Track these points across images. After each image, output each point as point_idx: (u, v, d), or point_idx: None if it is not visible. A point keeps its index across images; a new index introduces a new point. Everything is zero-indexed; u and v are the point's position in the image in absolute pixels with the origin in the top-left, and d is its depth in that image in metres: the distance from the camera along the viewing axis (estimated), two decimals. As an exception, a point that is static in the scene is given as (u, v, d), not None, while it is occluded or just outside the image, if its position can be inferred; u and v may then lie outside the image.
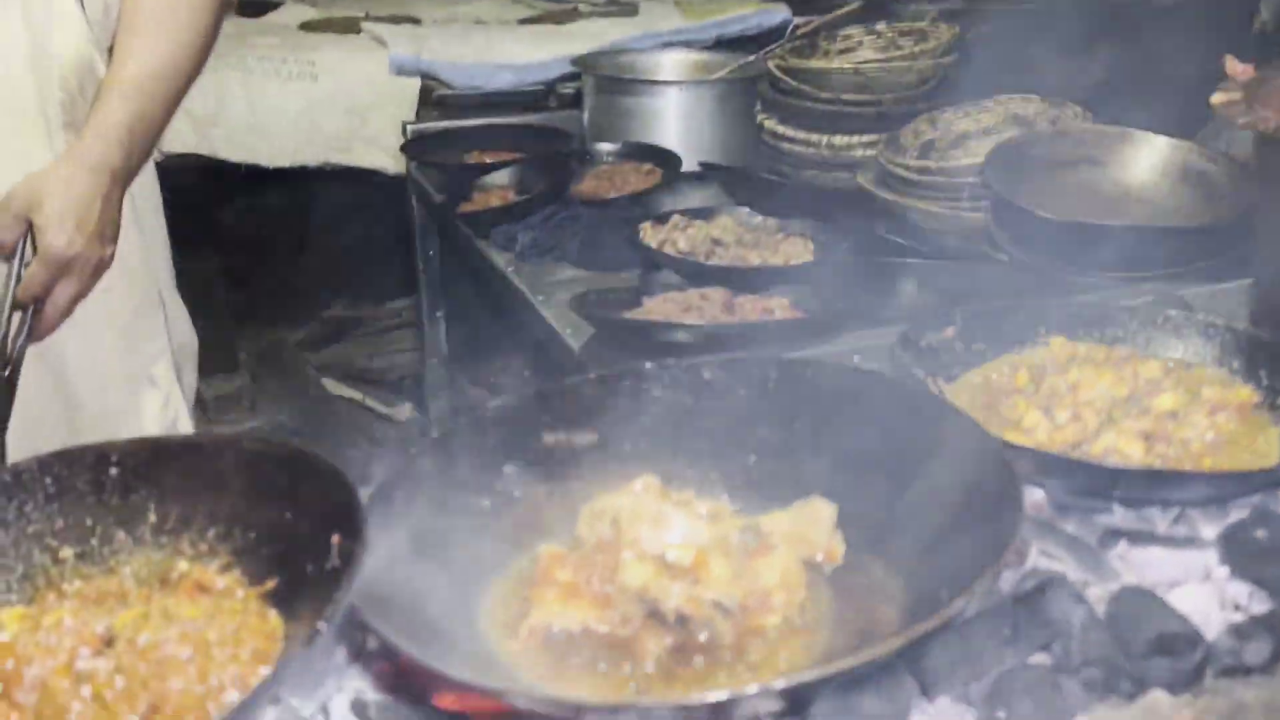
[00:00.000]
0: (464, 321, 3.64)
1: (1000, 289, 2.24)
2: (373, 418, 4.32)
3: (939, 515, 1.02)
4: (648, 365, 1.25)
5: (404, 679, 1.00)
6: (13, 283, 1.49)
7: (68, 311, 1.55)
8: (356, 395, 4.42)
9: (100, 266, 1.54)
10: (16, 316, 1.48)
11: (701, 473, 1.21)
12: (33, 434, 1.51)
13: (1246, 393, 1.29)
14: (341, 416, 4.37)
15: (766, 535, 1.06)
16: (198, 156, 3.63)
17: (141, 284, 1.75)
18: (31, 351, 1.52)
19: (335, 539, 0.97)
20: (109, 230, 1.53)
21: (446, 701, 0.98)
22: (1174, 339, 1.40)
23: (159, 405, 1.76)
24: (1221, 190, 2.41)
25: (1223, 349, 1.36)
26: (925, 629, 0.81)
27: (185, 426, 1.83)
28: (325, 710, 0.98)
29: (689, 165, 3.10)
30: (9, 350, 1.48)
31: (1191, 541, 1.08)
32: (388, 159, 3.70)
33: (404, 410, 4.33)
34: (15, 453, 1.48)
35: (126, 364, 1.73)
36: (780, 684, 0.78)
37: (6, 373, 1.47)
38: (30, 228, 1.47)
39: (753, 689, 0.78)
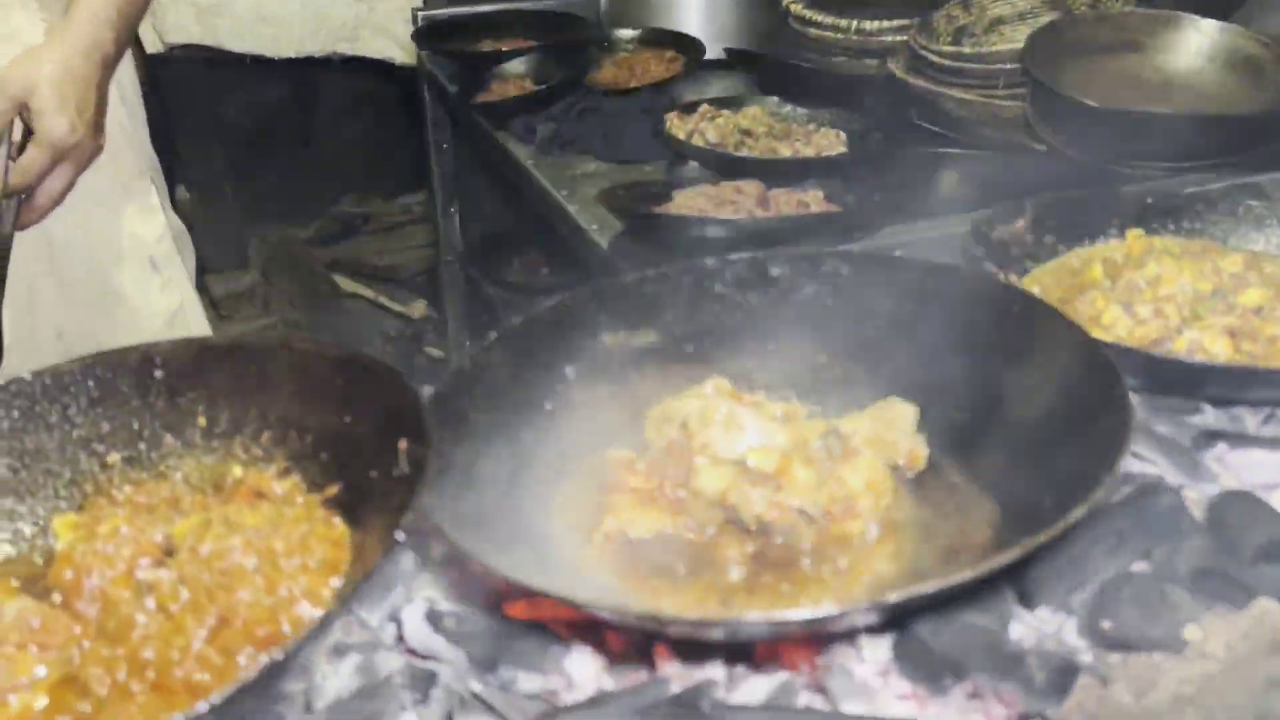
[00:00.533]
0: (479, 217, 3.55)
1: (1042, 181, 2.16)
2: (386, 315, 4.27)
3: (1032, 418, 0.97)
4: (710, 261, 1.19)
5: (477, 587, 0.97)
6: (3, 168, 1.45)
7: (60, 199, 1.52)
8: (369, 292, 4.36)
9: (95, 153, 1.51)
10: (5, 203, 1.45)
11: (769, 374, 1.16)
12: (28, 314, 1.47)
13: (1335, 287, 1.24)
14: (354, 314, 4.33)
15: (847, 438, 1.01)
16: (201, 48, 3.50)
17: (130, 165, 1.69)
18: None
19: (402, 444, 0.92)
20: (101, 118, 1.50)
21: (519, 610, 0.94)
22: (1254, 231, 1.34)
23: (159, 288, 1.71)
24: (1271, 76, 2.31)
25: (1309, 241, 1.30)
26: (1042, 540, 0.76)
27: (194, 311, 1.79)
28: (396, 620, 0.95)
29: (712, 52, 2.99)
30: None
31: (1290, 443, 1.03)
32: (397, 48, 3.58)
33: (418, 308, 4.28)
34: (14, 335, 1.46)
35: (119, 245, 1.68)
36: (893, 598, 0.74)
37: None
38: (22, 111, 1.43)
39: (863, 604, 0.74)
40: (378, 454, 0.95)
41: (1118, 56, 2.50)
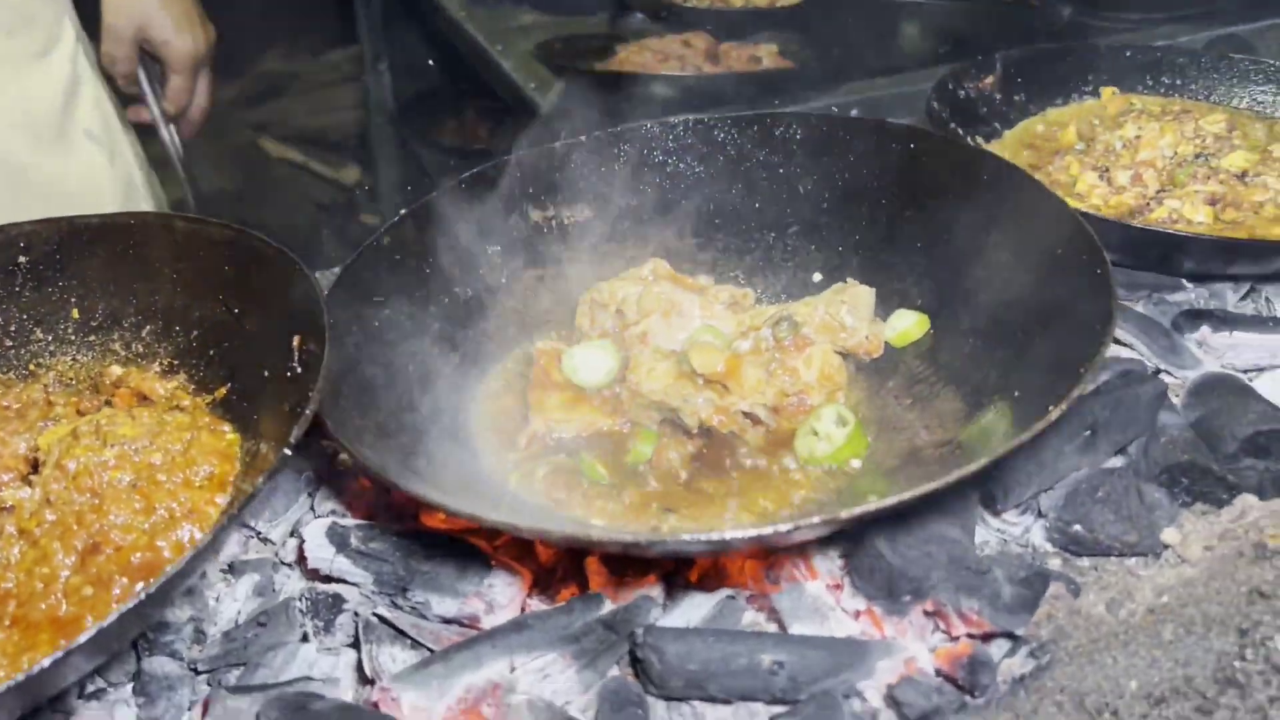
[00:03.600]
0: (411, 74, 3.35)
1: (1008, 32, 2.04)
2: (317, 181, 4.06)
3: (1003, 301, 0.87)
4: (649, 124, 1.06)
5: (385, 496, 0.87)
6: (155, 104, 1.52)
7: (210, 104, 1.60)
8: (298, 157, 4.13)
9: (213, 42, 1.55)
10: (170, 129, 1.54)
11: (714, 254, 1.05)
12: None
13: (1325, 148, 1.14)
14: (283, 180, 4.11)
15: (799, 326, 0.91)
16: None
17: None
18: None
19: (296, 340, 0.80)
20: (198, 10, 1.53)
21: (436, 521, 0.85)
22: (1239, 86, 1.23)
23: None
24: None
25: (1299, 98, 1.20)
26: (1018, 441, 0.67)
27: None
28: (297, 534, 0.85)
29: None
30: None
31: (1276, 322, 0.95)
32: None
33: (351, 173, 4.07)
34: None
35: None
36: (846, 514, 0.65)
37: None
38: (144, 45, 1.48)
39: (814, 519, 0.65)
40: (272, 350, 0.84)
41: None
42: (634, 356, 0.90)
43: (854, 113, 1.77)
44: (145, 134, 1.61)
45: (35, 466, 0.81)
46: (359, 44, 3.43)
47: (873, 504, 0.65)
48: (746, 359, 0.86)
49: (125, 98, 1.59)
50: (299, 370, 0.80)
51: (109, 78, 1.52)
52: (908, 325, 0.93)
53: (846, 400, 0.89)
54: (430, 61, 3.25)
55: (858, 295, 0.94)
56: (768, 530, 0.65)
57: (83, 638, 0.62)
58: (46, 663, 0.61)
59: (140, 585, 0.73)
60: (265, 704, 0.67)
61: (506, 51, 2.30)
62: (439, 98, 3.40)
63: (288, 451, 0.70)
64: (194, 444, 0.80)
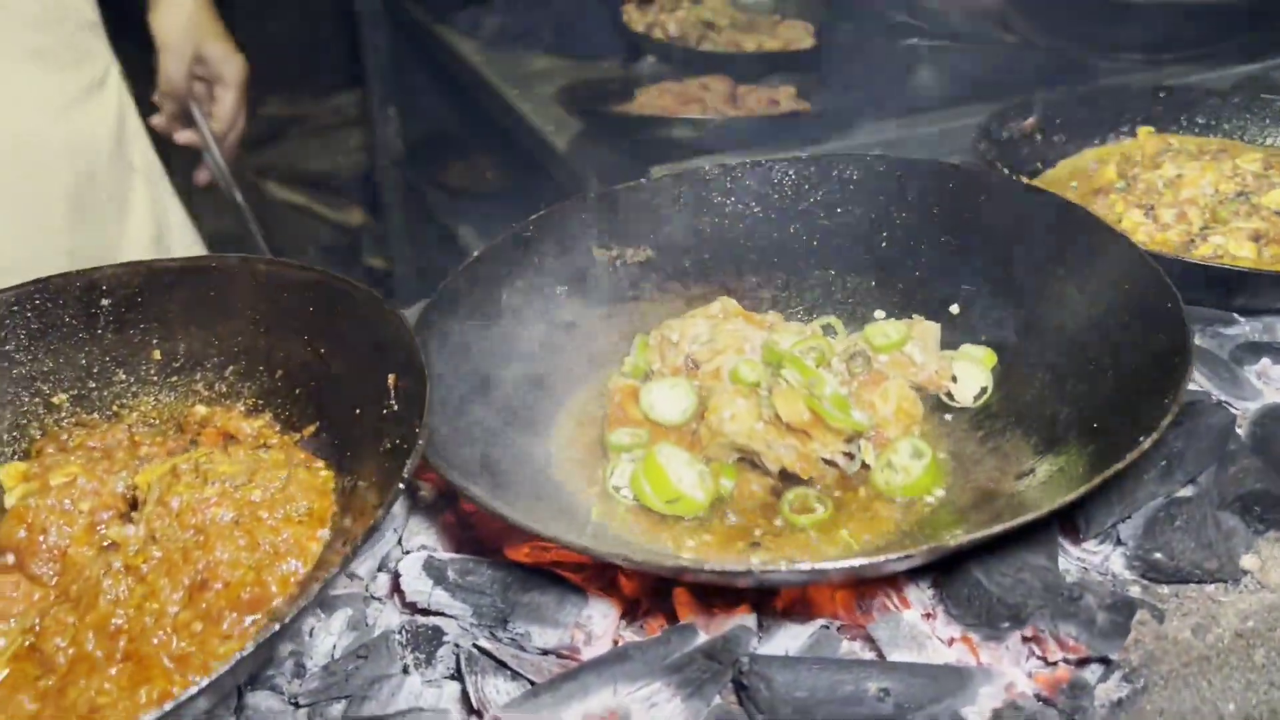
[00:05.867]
0: (418, 117, 3.38)
1: (1018, 73, 2.09)
2: (321, 224, 4.08)
3: (1071, 337, 0.90)
4: (707, 167, 1.09)
5: (469, 531, 0.89)
6: (204, 125, 1.54)
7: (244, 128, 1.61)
8: (301, 199, 4.16)
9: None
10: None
11: (773, 292, 1.08)
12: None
13: (1360, 185, 1.18)
14: (286, 223, 4.13)
15: (871, 360, 0.93)
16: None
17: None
18: None
19: (391, 379, 0.82)
20: None
21: (523, 554, 0.86)
22: (1273, 125, 1.27)
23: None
24: (1250, -37, 2.24)
25: (1330, 137, 1.24)
26: (1109, 473, 0.70)
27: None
28: (386, 569, 0.87)
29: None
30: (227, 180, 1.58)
31: (1332, 355, 0.98)
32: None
33: (355, 215, 4.10)
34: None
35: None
36: (951, 544, 0.67)
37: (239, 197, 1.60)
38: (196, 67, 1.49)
39: (922, 548, 0.67)
40: (361, 389, 0.85)
41: (1093, -57, 2.40)
42: (712, 395, 0.92)
43: (876, 152, 1.81)
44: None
45: (134, 505, 0.82)
46: (364, 87, 3.46)
47: (978, 532, 0.67)
48: (822, 418, 0.87)
49: (156, 136, 1.61)
50: (394, 408, 0.82)
51: (146, 111, 1.55)
52: (976, 359, 0.95)
53: (922, 435, 0.91)
54: (440, 105, 3.29)
55: (925, 330, 0.97)
56: (864, 561, 0.67)
57: (222, 669, 0.63)
58: (182, 698, 0.62)
59: (252, 618, 0.74)
60: (384, 736, 0.68)
61: (524, 95, 2.33)
62: (446, 141, 3.44)
63: (401, 485, 0.72)
64: (291, 481, 0.81)
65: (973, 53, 2.33)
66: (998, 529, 0.67)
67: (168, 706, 0.62)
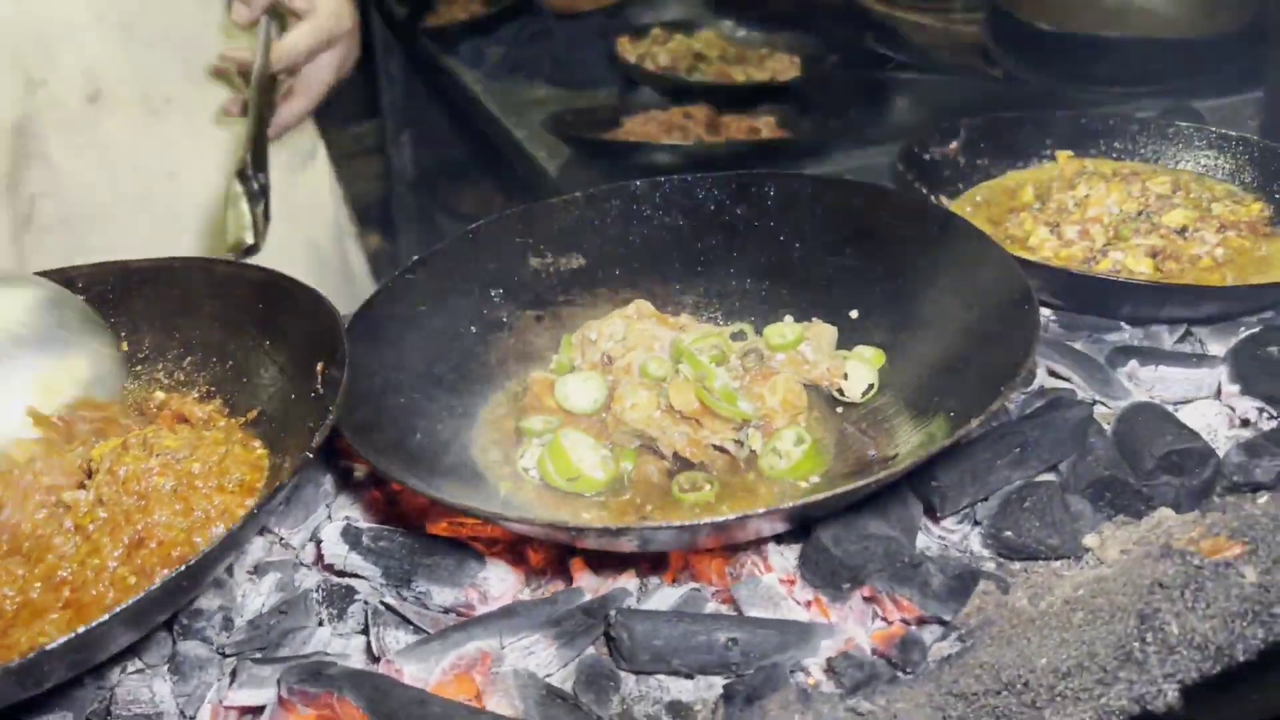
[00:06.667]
0: (431, 145, 3.50)
1: (997, 104, 2.17)
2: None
3: (948, 333, 0.98)
4: (637, 183, 1.18)
5: (395, 507, 0.98)
6: (262, 49, 1.34)
7: (327, 91, 1.42)
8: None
9: (355, 56, 1.41)
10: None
11: (694, 298, 1.16)
12: None
13: (1259, 208, 1.25)
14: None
15: (767, 358, 1.02)
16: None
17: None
18: None
19: (319, 366, 0.92)
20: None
21: (441, 529, 0.95)
22: (1184, 151, 1.35)
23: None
24: (1224, 1, 2.32)
25: (1235, 162, 1.31)
26: (934, 450, 0.78)
27: None
28: (316, 540, 0.96)
29: (666, -29, 2.94)
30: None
31: (1201, 359, 1.05)
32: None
33: (371, 240, 4.22)
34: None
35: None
36: (786, 505, 0.75)
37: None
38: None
39: (761, 509, 0.76)
40: (297, 377, 0.95)
41: (1076, -20, 2.48)
42: (619, 387, 1.00)
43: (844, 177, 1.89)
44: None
45: (90, 474, 0.92)
46: (381, 117, 3.59)
47: (812, 496, 0.75)
48: (715, 409, 0.96)
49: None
50: (320, 392, 0.92)
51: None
52: (866, 359, 1.03)
53: (809, 426, 0.99)
54: (450, 134, 3.41)
55: (820, 332, 1.05)
56: (721, 519, 0.76)
57: (129, 602, 0.73)
58: (94, 624, 0.71)
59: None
60: (285, 671, 0.77)
61: (520, 123, 2.44)
62: (458, 168, 3.56)
63: (310, 455, 0.81)
64: (228, 456, 0.91)
65: (953, 85, 2.42)
66: (836, 490, 0.75)
67: (92, 624, 0.71)
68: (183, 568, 0.74)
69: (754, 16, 2.71)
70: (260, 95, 1.32)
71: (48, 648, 0.70)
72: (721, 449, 0.96)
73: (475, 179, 3.49)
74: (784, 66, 2.54)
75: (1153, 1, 2.39)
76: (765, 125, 2.30)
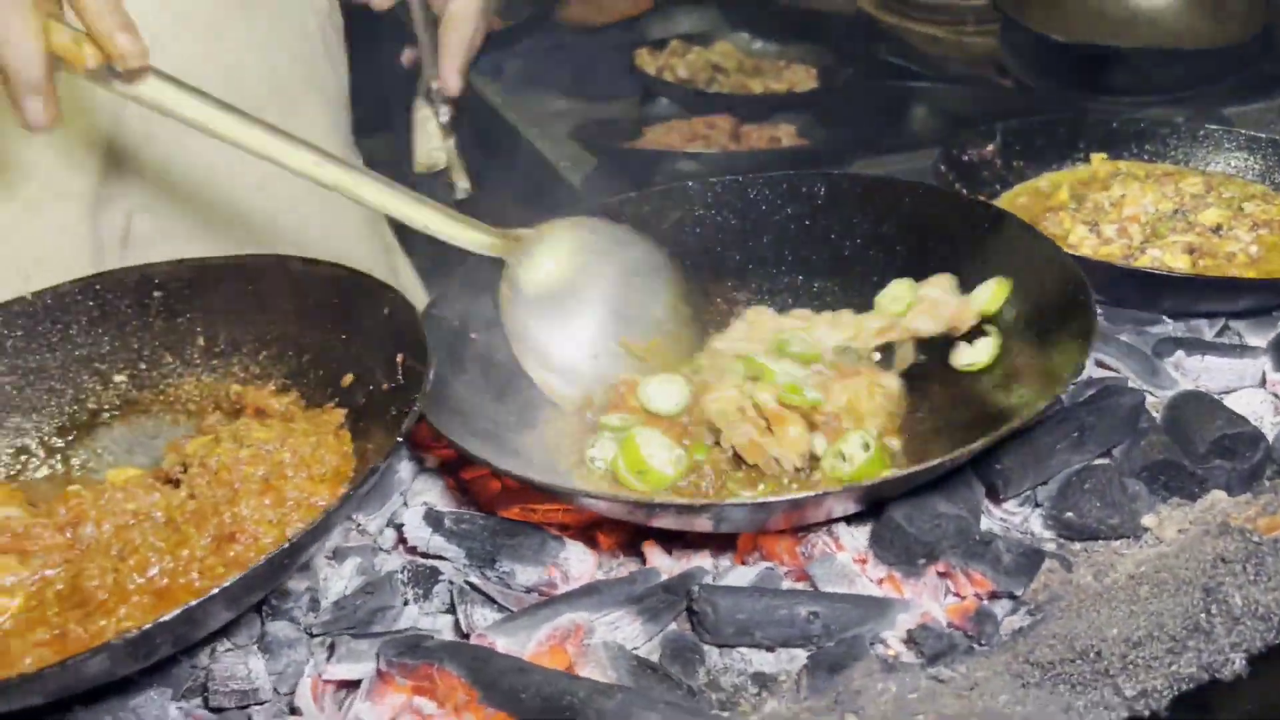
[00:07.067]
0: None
1: (1010, 114, 2.21)
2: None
3: (1005, 325, 1.02)
4: (690, 184, 1.22)
5: (466, 494, 1.01)
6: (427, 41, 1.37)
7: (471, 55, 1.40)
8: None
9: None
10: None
11: (748, 295, 1.20)
12: None
13: (1289, 206, 1.29)
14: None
15: (861, 358, 1.06)
16: None
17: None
18: None
19: (400, 358, 0.95)
20: None
21: (513, 513, 0.98)
22: (1215, 153, 1.39)
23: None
24: (1232, 10, 2.37)
25: (1265, 163, 1.35)
26: (1003, 432, 0.82)
27: None
28: (393, 525, 0.99)
29: (679, -15, 2.99)
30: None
31: (1244, 350, 1.08)
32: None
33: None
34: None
35: None
36: (861, 483, 0.79)
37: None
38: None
39: (838, 487, 0.79)
40: (376, 369, 0.98)
41: (1084, -9, 2.53)
42: (706, 383, 1.03)
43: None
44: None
45: (184, 469, 0.95)
46: (393, 131, 3.62)
47: (889, 475, 0.79)
48: (792, 417, 0.98)
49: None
50: (401, 383, 0.95)
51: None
52: (990, 293, 1.05)
53: (882, 428, 1.01)
54: (466, 145, 3.42)
55: (940, 282, 1.08)
56: (798, 496, 0.79)
57: (234, 579, 0.76)
58: (203, 598, 0.74)
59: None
60: (383, 644, 0.80)
61: (542, 134, 2.48)
62: (472, 180, 3.57)
63: (401, 439, 0.85)
64: (320, 445, 0.94)
65: (967, 95, 2.46)
66: (911, 469, 0.79)
67: (192, 603, 0.74)
68: (286, 544, 0.77)
69: (769, 30, 2.75)
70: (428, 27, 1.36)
71: (162, 619, 0.73)
72: (779, 463, 0.98)
73: (492, 191, 3.52)
74: (801, 77, 2.58)
75: (1163, 13, 2.44)
76: (786, 134, 2.34)
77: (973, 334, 1.05)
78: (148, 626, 0.72)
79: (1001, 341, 1.03)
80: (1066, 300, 0.96)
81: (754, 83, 2.57)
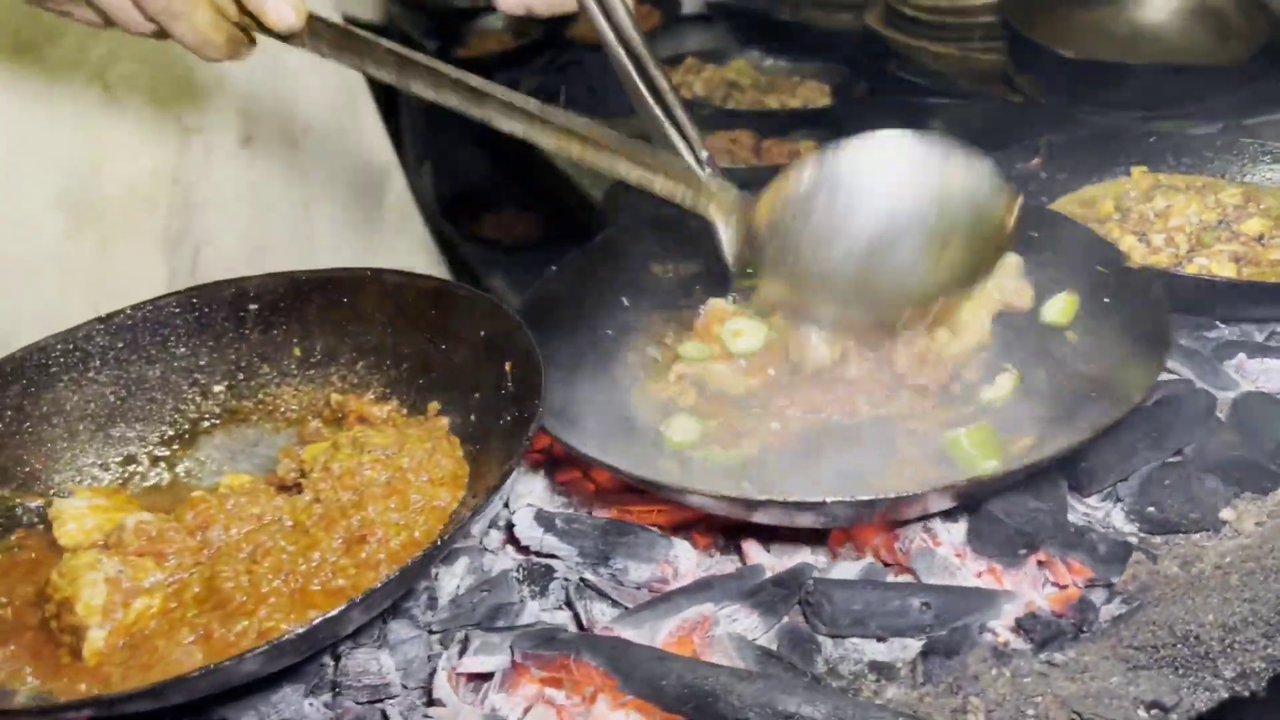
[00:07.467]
0: (452, 174, 3.56)
1: (1023, 127, 2.27)
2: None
3: (1080, 329, 1.07)
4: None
5: (570, 495, 1.05)
6: None
7: None
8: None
9: None
10: None
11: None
12: None
13: (1327, 216, 1.35)
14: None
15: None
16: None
17: None
18: None
19: (508, 366, 0.99)
20: None
21: (612, 512, 1.02)
22: (1251, 165, 1.44)
23: None
24: (1234, 28, 2.44)
25: (1301, 174, 1.41)
26: (1090, 436, 0.86)
27: None
28: (496, 526, 1.02)
29: (689, 5, 3.05)
30: None
31: (1299, 352, 1.14)
32: (364, 2, 3.56)
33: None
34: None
35: None
36: (958, 483, 0.83)
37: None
38: None
39: (940, 485, 0.83)
40: (479, 376, 1.02)
41: (1090, 8, 2.60)
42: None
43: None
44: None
45: (304, 474, 0.98)
46: (401, 146, 3.65)
47: (988, 472, 0.83)
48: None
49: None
50: (510, 389, 0.98)
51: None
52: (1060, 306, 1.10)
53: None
54: (472, 161, 3.46)
55: (1006, 261, 1.11)
56: (901, 494, 0.83)
57: (384, 580, 0.79)
58: (349, 603, 0.78)
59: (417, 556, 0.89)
60: (518, 637, 0.84)
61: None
62: (478, 196, 3.62)
63: (527, 442, 0.88)
64: (436, 449, 0.97)
65: (982, 110, 2.52)
66: (1000, 470, 0.83)
67: (341, 607, 0.77)
68: (437, 541, 0.81)
69: (780, 47, 2.81)
70: None
71: (328, 615, 0.76)
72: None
73: (498, 206, 3.56)
74: (814, 94, 2.64)
75: (1166, 30, 2.51)
76: (806, 149, 2.40)
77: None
78: (316, 621, 0.75)
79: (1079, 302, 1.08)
80: (1139, 304, 1.01)
81: (769, 99, 2.63)
